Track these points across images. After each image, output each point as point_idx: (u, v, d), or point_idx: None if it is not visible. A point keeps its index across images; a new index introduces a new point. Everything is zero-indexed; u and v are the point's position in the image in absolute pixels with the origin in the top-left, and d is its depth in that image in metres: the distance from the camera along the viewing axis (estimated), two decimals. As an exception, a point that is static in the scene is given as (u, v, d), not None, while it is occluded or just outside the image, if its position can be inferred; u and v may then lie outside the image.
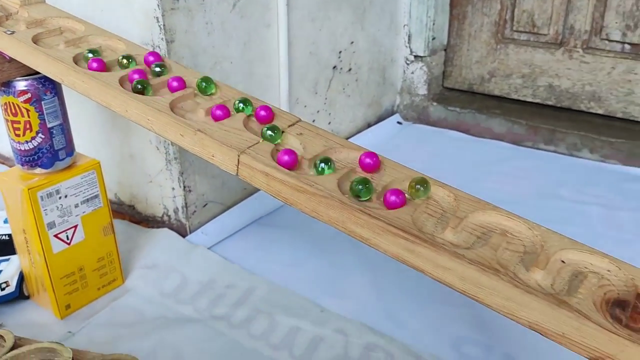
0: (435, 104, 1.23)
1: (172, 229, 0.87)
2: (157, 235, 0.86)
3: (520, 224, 0.43)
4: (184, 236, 0.87)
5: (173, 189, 0.84)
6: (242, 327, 0.71)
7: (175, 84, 0.51)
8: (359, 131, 1.18)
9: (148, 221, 0.90)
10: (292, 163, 0.44)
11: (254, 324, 0.71)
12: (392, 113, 1.27)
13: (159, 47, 0.75)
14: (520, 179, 1.04)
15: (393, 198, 0.41)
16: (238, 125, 0.49)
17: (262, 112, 0.50)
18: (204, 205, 0.88)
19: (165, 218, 0.88)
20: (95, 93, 0.54)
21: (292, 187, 0.44)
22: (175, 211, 0.86)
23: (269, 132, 0.46)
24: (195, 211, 0.87)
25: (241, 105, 0.50)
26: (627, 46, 1.07)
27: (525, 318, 0.37)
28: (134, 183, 0.89)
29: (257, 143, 0.47)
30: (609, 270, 0.40)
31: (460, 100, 1.24)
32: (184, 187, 0.84)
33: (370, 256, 0.83)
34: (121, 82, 0.54)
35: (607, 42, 1.08)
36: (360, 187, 0.43)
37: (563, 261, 0.41)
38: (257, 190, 0.96)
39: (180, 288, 0.77)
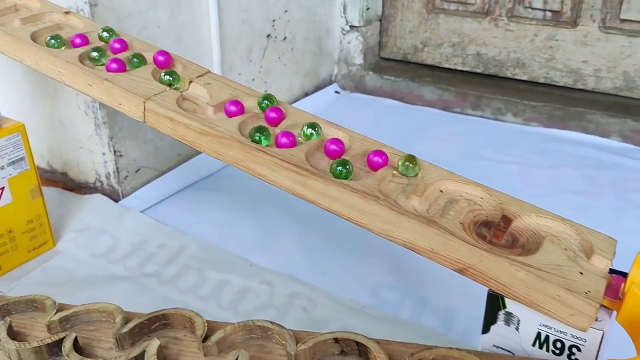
0: (371, 73, 1.27)
1: (105, 194, 0.88)
2: (89, 201, 0.87)
3: (406, 160, 0.47)
4: (117, 201, 0.88)
5: (104, 154, 0.85)
6: (172, 283, 0.73)
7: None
8: (296, 100, 1.21)
9: (81, 187, 0.91)
10: (290, 144, 0.45)
11: (183, 279, 0.74)
12: (329, 82, 1.30)
13: (82, 10, 0.75)
14: (447, 142, 1.09)
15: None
16: (146, 75, 0.51)
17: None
18: (137, 171, 0.90)
19: (98, 184, 0.89)
20: (8, 48, 0.55)
21: (196, 130, 0.46)
22: (107, 176, 0.87)
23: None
24: (127, 176, 0.88)
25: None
26: (548, 13, 1.12)
27: (400, 238, 0.41)
28: (64, 150, 0.89)
29: (163, 91, 0.49)
30: (481, 198, 0.44)
31: (395, 69, 1.28)
32: (115, 152, 0.85)
33: (300, 217, 0.86)
34: (34, 38, 0.55)
35: (529, 10, 1.14)
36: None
37: (441, 190, 0.45)
38: (192, 155, 0.98)
39: (111, 249, 0.79)
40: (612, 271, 0.40)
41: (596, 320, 0.37)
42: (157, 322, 0.44)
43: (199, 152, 1.00)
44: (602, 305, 0.37)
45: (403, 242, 0.41)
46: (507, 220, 0.42)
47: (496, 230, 0.41)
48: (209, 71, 0.54)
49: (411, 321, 0.67)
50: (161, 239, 0.81)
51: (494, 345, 0.41)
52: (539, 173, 0.97)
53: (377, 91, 1.27)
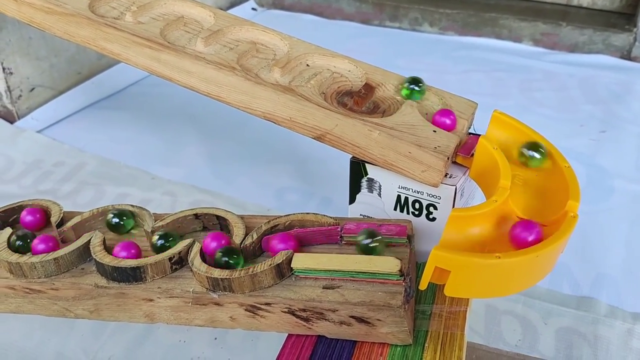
0: (288, -13, 1.22)
1: (-2, 115, 0.83)
2: (-20, 123, 0.82)
3: (274, 37, 0.45)
4: (12, 122, 0.83)
5: (-10, 70, 0.79)
6: (68, 199, 0.70)
7: None
8: (209, 17, 1.15)
9: (-29, 110, 0.85)
10: None
11: (80, 195, 0.71)
12: (246, -1, 1.25)
13: None
14: (364, 54, 1.05)
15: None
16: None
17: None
18: (31, 90, 0.84)
19: (-11, 104, 0.83)
20: None
21: (41, 9, 0.43)
22: (-2, 96, 0.82)
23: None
24: (21, 95, 0.83)
25: None
26: None
27: (259, 109, 0.39)
28: (-53, 69, 0.82)
29: (9, -28, 0.45)
30: (349, 70, 0.43)
31: (312, -17, 1.23)
32: (3, 69, 0.79)
33: (206, 130, 0.84)
34: None
35: None
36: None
37: (308, 64, 0.43)
38: (93, 74, 0.93)
39: (4, 169, 0.75)
40: (473, 134, 0.40)
41: (450, 177, 0.37)
42: (15, 215, 0.41)
43: (100, 71, 0.95)
44: (455, 162, 0.37)
45: (262, 113, 0.39)
46: (369, 88, 0.41)
47: (357, 98, 0.40)
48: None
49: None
50: (58, 157, 0.77)
51: (361, 214, 0.41)
52: (449, 78, 0.97)
53: (295, 6, 1.23)
